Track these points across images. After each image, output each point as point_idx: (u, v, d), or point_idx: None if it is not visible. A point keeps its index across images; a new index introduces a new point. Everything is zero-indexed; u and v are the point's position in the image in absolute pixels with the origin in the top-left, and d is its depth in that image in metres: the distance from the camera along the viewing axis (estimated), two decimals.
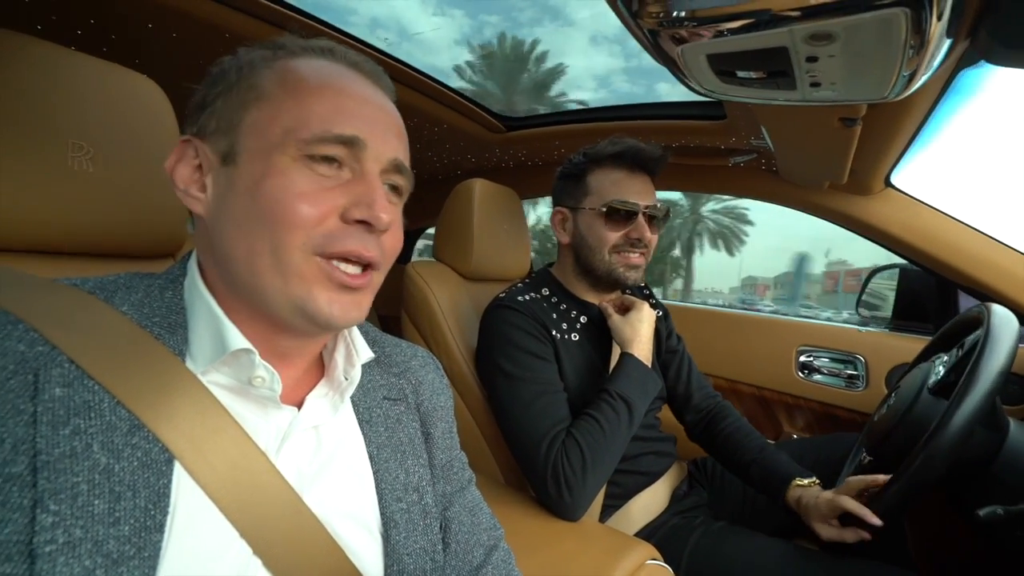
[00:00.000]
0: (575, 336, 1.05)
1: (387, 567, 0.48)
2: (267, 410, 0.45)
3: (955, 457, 0.69)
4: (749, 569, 0.87)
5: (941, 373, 0.88)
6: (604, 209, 1.01)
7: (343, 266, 0.43)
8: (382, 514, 0.49)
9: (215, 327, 0.43)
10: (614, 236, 1.02)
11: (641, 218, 1.01)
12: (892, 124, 0.86)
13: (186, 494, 0.39)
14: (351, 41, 1.07)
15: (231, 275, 0.43)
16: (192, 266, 0.46)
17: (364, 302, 0.45)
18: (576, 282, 1.11)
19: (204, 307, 0.44)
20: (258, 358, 0.42)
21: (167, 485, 0.38)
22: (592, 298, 1.11)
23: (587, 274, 1.08)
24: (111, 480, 0.36)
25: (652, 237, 1.04)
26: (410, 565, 0.49)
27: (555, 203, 1.13)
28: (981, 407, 0.68)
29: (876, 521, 0.81)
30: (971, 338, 0.87)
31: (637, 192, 1.02)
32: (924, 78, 0.61)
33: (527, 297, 1.06)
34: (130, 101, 0.65)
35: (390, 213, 0.44)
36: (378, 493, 0.50)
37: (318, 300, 0.42)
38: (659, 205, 1.04)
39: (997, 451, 0.78)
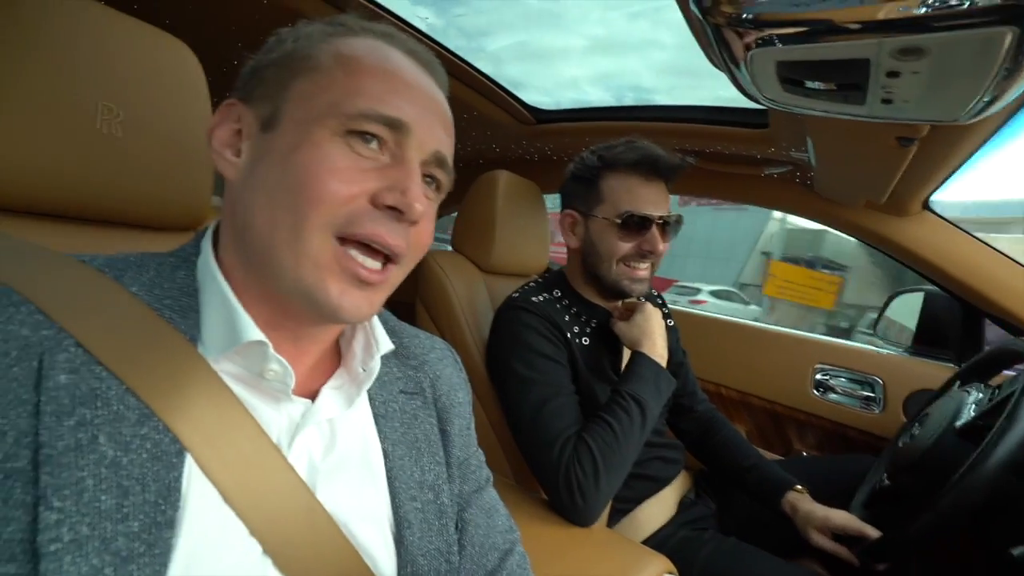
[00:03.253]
0: (586, 340, 1.04)
1: (400, 568, 0.46)
2: (279, 401, 0.43)
3: (984, 501, 0.67)
4: None
5: (972, 415, 0.85)
6: (618, 220, 0.97)
7: (361, 257, 0.40)
8: (395, 513, 0.48)
9: (228, 315, 0.41)
10: (625, 247, 0.98)
11: (655, 229, 0.97)
12: (949, 147, 0.83)
13: (197, 488, 0.37)
14: (404, 27, 1.04)
15: (247, 245, 0.41)
16: (206, 244, 0.44)
17: (377, 299, 0.43)
18: (584, 286, 1.09)
19: (217, 291, 0.42)
20: (271, 350, 0.40)
21: (178, 479, 0.36)
22: (600, 302, 1.09)
23: (594, 280, 1.05)
24: (119, 474, 0.33)
25: (663, 247, 1.00)
26: (424, 567, 0.47)
27: (565, 205, 1.09)
28: (1016, 456, 0.66)
29: (874, 533, 0.87)
30: (1005, 382, 0.85)
31: (652, 202, 0.97)
32: (1003, 102, 0.58)
33: (540, 298, 1.04)
34: (163, 65, 0.62)
35: (424, 204, 0.42)
36: (392, 491, 0.48)
37: (329, 290, 0.40)
38: (672, 213, 1.00)
39: None
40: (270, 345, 0.40)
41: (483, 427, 1.08)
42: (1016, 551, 0.65)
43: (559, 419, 0.90)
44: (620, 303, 1.08)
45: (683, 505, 1.13)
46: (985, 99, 0.56)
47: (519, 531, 0.61)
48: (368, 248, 0.41)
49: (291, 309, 0.43)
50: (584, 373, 1.00)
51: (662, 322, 1.03)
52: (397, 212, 0.40)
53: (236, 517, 0.38)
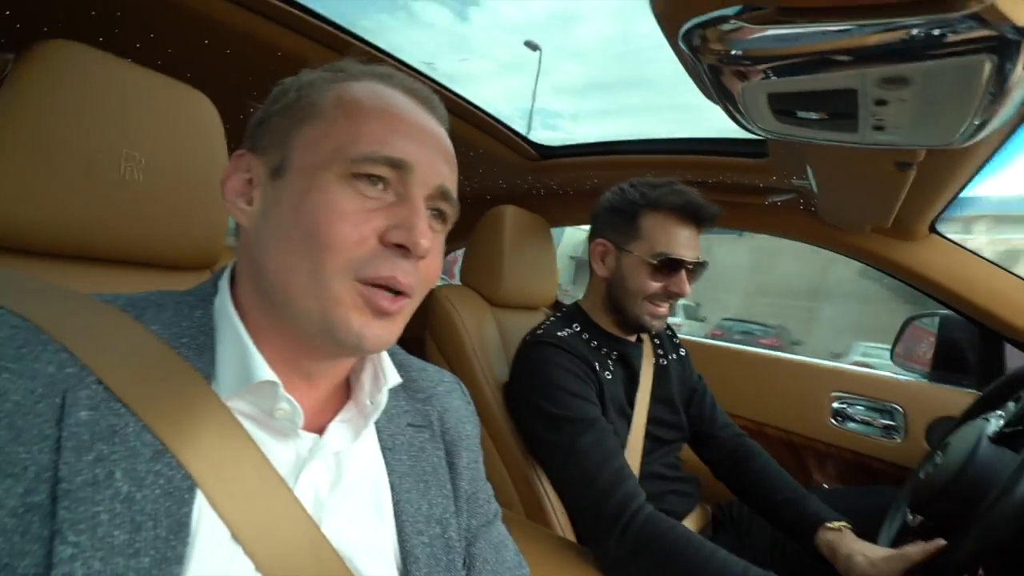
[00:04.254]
0: (608, 374, 1.03)
1: None
2: (288, 437, 0.44)
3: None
4: None
5: (1002, 424, 0.83)
6: (653, 261, 0.98)
7: (380, 293, 0.42)
8: (402, 547, 0.47)
9: (241, 354, 0.42)
10: (655, 286, 1.00)
11: (684, 273, 1.00)
12: (949, 170, 0.84)
13: (206, 524, 0.37)
14: (402, 67, 1.09)
15: (264, 289, 0.43)
16: (224, 284, 0.46)
17: (396, 329, 0.44)
18: (603, 315, 1.10)
19: (232, 331, 0.43)
20: (282, 390, 0.41)
21: (188, 514, 0.36)
22: (619, 333, 1.09)
23: (615, 311, 1.06)
24: (132, 509, 0.34)
25: (689, 291, 1.01)
26: None
27: (597, 234, 1.10)
28: None
29: (938, 543, 0.74)
30: None
31: (687, 246, 1.00)
32: (994, 126, 0.58)
33: (566, 332, 1.03)
34: (182, 114, 0.66)
35: (429, 239, 0.43)
36: (398, 525, 0.48)
37: (352, 324, 0.41)
38: (701, 259, 1.02)
39: None
40: (281, 385, 0.41)
41: (493, 461, 1.07)
42: None
43: (613, 464, 0.86)
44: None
45: None
46: (975, 123, 0.57)
47: (528, 568, 0.60)
48: (382, 286, 0.42)
49: (307, 346, 0.44)
50: (607, 406, 0.99)
51: None
52: (405, 249, 0.42)
53: (244, 554, 0.38)
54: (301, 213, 0.41)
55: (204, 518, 0.37)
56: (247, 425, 0.41)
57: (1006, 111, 0.55)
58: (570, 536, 1.00)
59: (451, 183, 0.47)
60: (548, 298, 1.40)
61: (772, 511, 1.04)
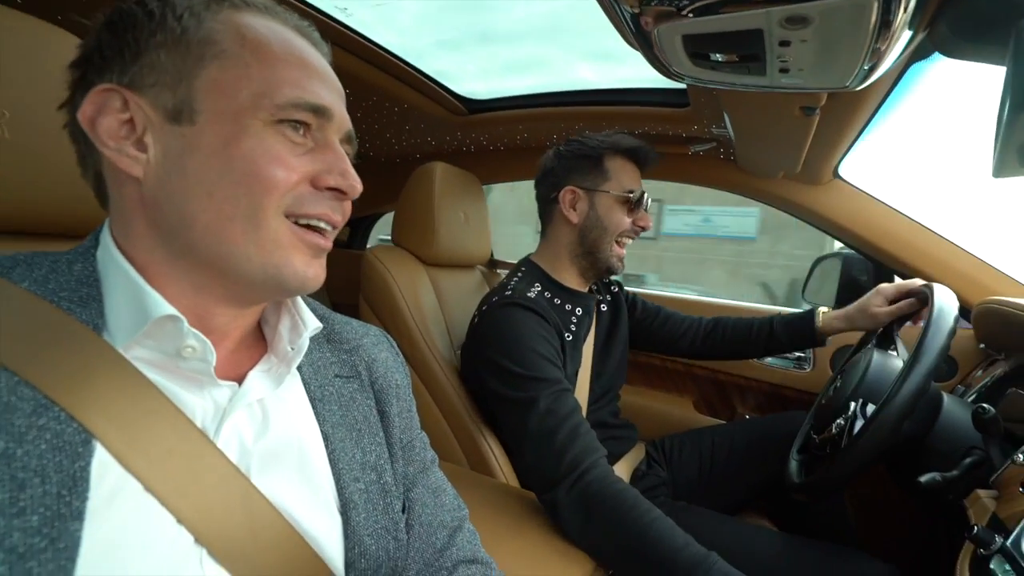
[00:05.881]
0: (569, 336, 1.05)
1: (348, 549, 0.46)
2: (202, 386, 0.42)
3: (900, 427, 0.74)
4: (711, 546, 0.90)
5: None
6: (628, 196, 1.06)
7: (313, 232, 0.43)
8: (340, 495, 0.47)
9: (135, 295, 0.39)
10: (627, 222, 1.07)
11: (646, 208, 1.09)
12: (846, 115, 0.90)
13: (112, 478, 0.35)
14: (317, 13, 1.01)
15: (186, 242, 0.40)
16: (105, 237, 0.42)
17: (324, 265, 0.46)
18: (568, 267, 1.11)
19: (121, 276, 0.40)
20: (186, 325, 0.39)
21: (85, 468, 0.34)
22: (578, 286, 1.12)
23: (586, 256, 1.09)
24: (12, 466, 0.32)
25: (651, 223, 1.11)
26: (372, 546, 0.48)
27: (563, 183, 1.09)
28: (927, 378, 0.73)
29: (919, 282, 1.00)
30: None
31: (641, 184, 1.10)
32: (883, 68, 0.63)
33: (534, 293, 1.03)
34: (51, 59, 0.58)
35: (360, 182, 0.45)
36: (334, 473, 0.48)
37: (295, 265, 0.42)
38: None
39: (932, 424, 0.83)
40: (184, 320, 0.39)
41: (434, 418, 1.08)
42: (924, 479, 0.72)
43: (572, 424, 0.87)
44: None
45: (636, 476, 1.17)
46: (865, 67, 0.61)
47: (467, 509, 0.62)
48: (315, 223, 0.44)
49: (240, 290, 0.43)
50: (567, 365, 1.01)
51: None
52: (339, 192, 0.44)
53: (160, 506, 0.36)
54: (234, 160, 0.39)
55: (109, 472, 0.35)
56: (153, 375, 0.39)
57: (892, 55, 0.59)
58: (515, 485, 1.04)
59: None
60: (483, 256, 1.40)
61: (766, 330, 1.20)
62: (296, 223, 0.42)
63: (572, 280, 1.12)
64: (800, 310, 1.24)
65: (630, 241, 1.11)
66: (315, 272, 0.44)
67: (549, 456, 0.84)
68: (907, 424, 0.76)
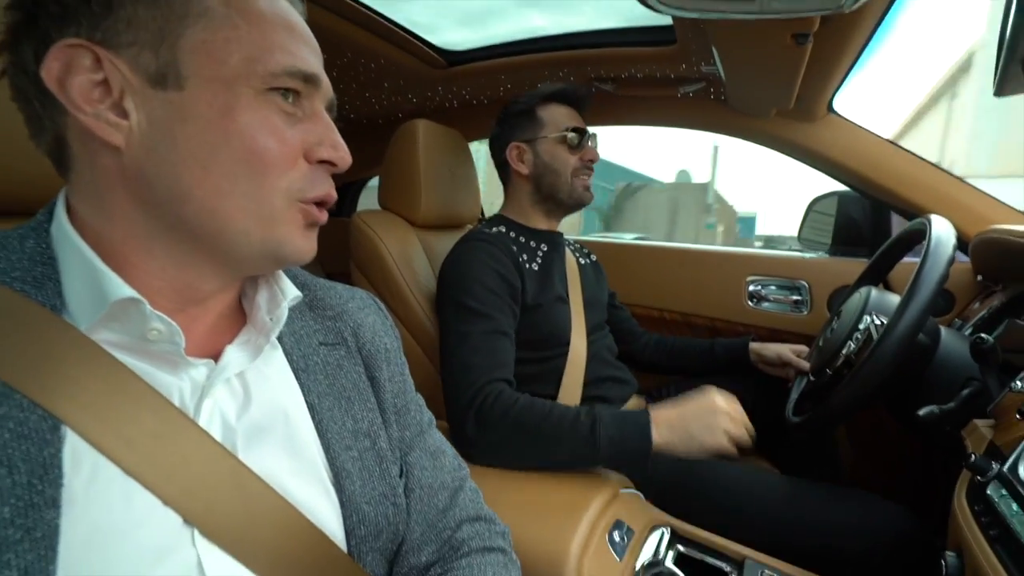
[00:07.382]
0: (535, 265, 1.09)
1: (346, 517, 0.46)
2: (177, 366, 0.40)
3: (899, 360, 0.73)
4: (714, 489, 0.92)
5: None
6: (566, 134, 1.10)
7: (314, 207, 0.43)
8: (332, 464, 0.47)
9: (91, 276, 0.37)
10: (574, 159, 1.11)
11: (591, 141, 1.13)
12: (840, 42, 0.86)
13: (87, 464, 0.34)
14: None
15: (176, 217, 0.38)
16: (60, 211, 0.39)
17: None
18: (533, 213, 1.16)
19: (76, 254, 0.37)
20: (148, 308, 0.37)
21: (55, 455, 0.33)
22: (546, 226, 1.17)
23: (548, 200, 1.14)
24: None
25: (599, 155, 1.15)
26: (370, 512, 0.47)
27: (506, 142, 1.14)
28: (925, 310, 0.72)
29: (804, 366, 1.07)
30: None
31: (579, 121, 1.14)
32: None
33: (494, 231, 1.10)
34: None
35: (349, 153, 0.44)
36: (324, 444, 0.47)
37: (296, 241, 0.42)
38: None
39: (931, 358, 0.83)
40: (146, 302, 0.37)
41: (432, 379, 1.08)
42: (922, 412, 0.72)
43: (493, 356, 0.91)
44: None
45: None
46: None
47: (467, 469, 0.62)
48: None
49: (230, 266, 0.42)
50: (535, 295, 1.04)
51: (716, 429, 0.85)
52: (330, 165, 0.43)
53: (144, 489, 0.36)
54: (231, 134, 0.37)
55: (84, 458, 0.34)
56: (124, 357, 0.38)
57: None
58: None
59: None
60: (473, 215, 1.37)
61: (707, 352, 1.28)
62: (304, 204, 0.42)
63: (540, 222, 1.17)
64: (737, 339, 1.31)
65: (590, 174, 1.15)
66: (312, 245, 0.44)
67: (457, 387, 0.89)
68: (908, 358, 0.75)
